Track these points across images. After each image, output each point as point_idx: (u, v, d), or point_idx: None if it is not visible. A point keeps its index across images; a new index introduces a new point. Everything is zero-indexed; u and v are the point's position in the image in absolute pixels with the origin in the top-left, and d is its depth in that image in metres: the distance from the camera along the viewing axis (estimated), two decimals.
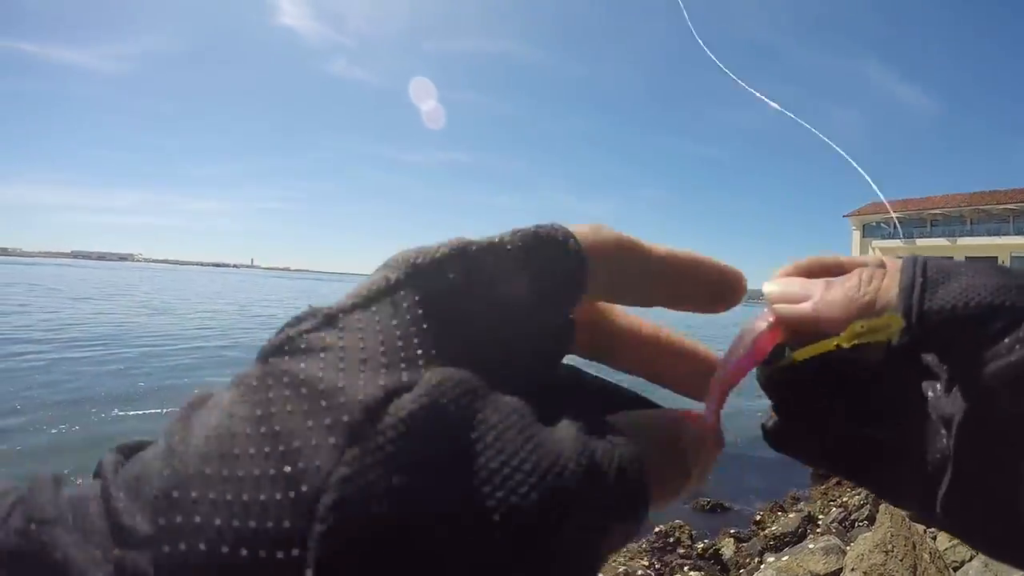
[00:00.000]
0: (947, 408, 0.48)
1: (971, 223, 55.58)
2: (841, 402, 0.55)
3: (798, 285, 0.54)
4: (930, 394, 0.51)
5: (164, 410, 10.00)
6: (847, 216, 61.48)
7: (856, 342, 0.49)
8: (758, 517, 6.95)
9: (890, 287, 0.49)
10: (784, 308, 0.53)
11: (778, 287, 0.55)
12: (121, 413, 9.94)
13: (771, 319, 0.54)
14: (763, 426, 0.58)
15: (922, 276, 0.48)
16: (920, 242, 57.59)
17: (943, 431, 0.49)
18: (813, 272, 0.55)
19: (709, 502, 7.44)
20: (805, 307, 0.52)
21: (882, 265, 0.53)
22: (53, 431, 8.83)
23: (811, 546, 4.96)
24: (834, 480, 8.13)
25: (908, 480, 0.52)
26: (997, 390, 0.44)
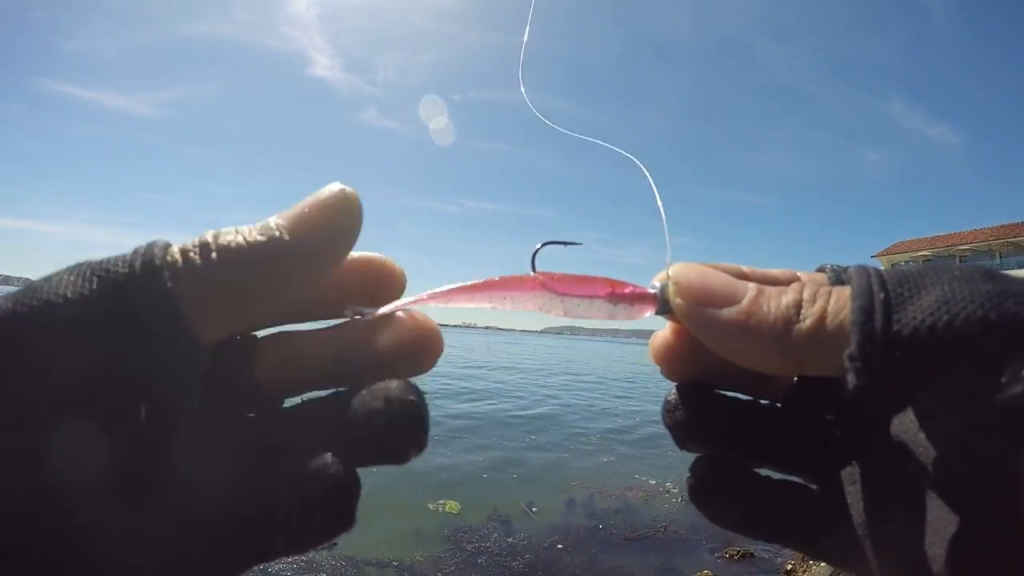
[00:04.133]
0: (927, 447, 0.41)
1: (1000, 257, 54.83)
2: (775, 443, 0.50)
3: (720, 283, 0.46)
4: (897, 429, 0.44)
5: None
6: (875, 256, 61.30)
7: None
8: (789, 566, 6.72)
9: (840, 308, 0.41)
10: (695, 311, 0.45)
11: (694, 277, 0.46)
12: None
13: (650, 291, 0.49)
14: (688, 486, 0.52)
15: (882, 291, 0.39)
16: None
17: (932, 475, 0.42)
18: (712, 292, 0.46)
19: (739, 551, 7.18)
20: (726, 316, 0.44)
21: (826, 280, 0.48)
22: None
23: None
24: None
25: (880, 536, 0.45)
26: (1012, 424, 0.35)
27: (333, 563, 6.40)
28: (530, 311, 0.52)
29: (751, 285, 0.45)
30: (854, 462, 0.48)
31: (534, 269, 0.51)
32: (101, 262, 0.40)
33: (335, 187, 0.45)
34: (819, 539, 0.50)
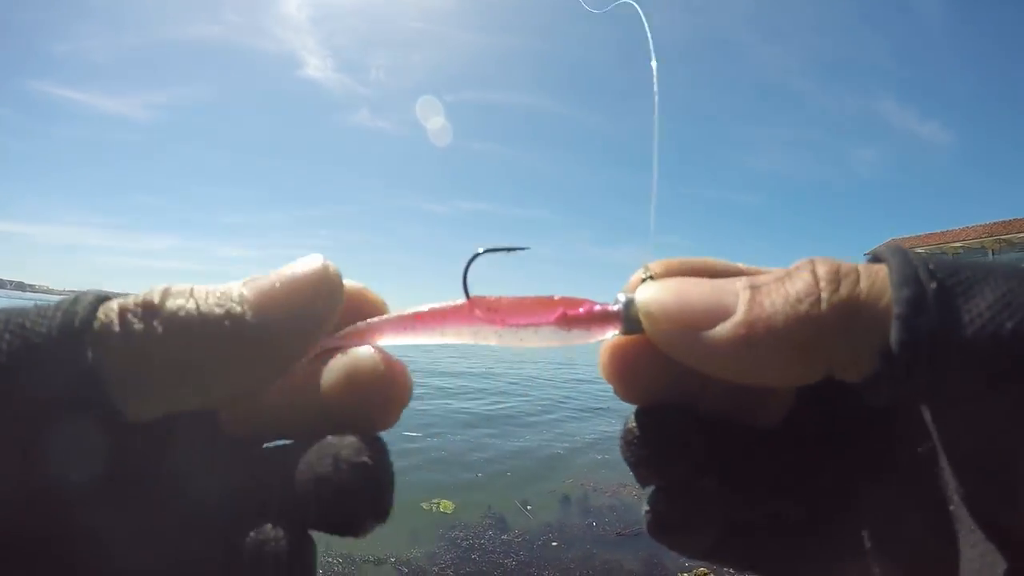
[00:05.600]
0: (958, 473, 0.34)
1: (993, 253, 54.86)
2: (754, 471, 0.41)
3: (701, 296, 0.36)
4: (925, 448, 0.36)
5: None
6: (868, 254, 61.15)
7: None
8: None
9: (877, 292, 0.32)
10: (682, 339, 0.36)
11: (666, 295, 0.37)
12: None
13: (612, 308, 0.40)
14: (646, 521, 0.43)
15: (933, 280, 0.31)
16: None
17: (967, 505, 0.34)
18: (693, 311, 0.36)
19: None
20: (723, 337, 0.34)
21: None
22: None
23: None
24: None
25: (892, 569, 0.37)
26: None
27: (329, 560, 6.39)
28: (466, 341, 0.44)
29: (741, 283, 0.35)
30: (853, 488, 0.40)
31: (466, 291, 0.43)
32: (23, 316, 0.34)
33: (314, 262, 0.38)
34: (800, 570, 0.42)
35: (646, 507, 0.42)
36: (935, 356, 0.30)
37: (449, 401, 18.54)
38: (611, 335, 0.41)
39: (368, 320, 0.42)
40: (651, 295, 0.36)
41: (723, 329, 0.33)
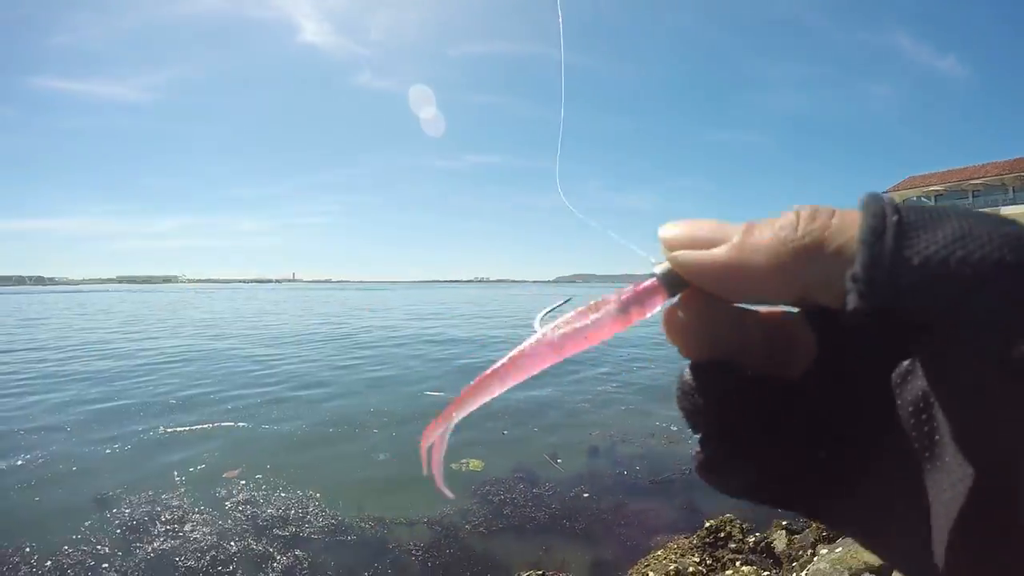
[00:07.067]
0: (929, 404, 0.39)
1: (1013, 191, 54.02)
2: (786, 416, 0.46)
3: (707, 227, 0.44)
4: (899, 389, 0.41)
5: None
6: (886, 192, 60.47)
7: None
8: None
9: (844, 227, 0.38)
10: (688, 256, 0.44)
11: (679, 229, 0.45)
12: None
13: (652, 280, 0.47)
14: (695, 462, 0.49)
15: (895, 214, 0.37)
16: None
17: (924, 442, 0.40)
18: (699, 237, 0.44)
19: None
20: (719, 253, 0.42)
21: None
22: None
23: None
24: None
25: (879, 517, 0.44)
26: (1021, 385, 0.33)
27: (362, 524, 6.49)
28: (553, 363, 0.50)
29: (743, 223, 0.43)
30: (875, 433, 0.45)
31: (539, 329, 0.50)
32: None
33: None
34: (833, 511, 0.48)
35: (697, 448, 0.48)
36: (893, 276, 0.35)
37: (467, 358, 18.69)
38: (659, 305, 0.47)
39: (469, 385, 0.51)
40: (669, 228, 0.45)
41: (720, 248, 0.42)
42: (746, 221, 0.43)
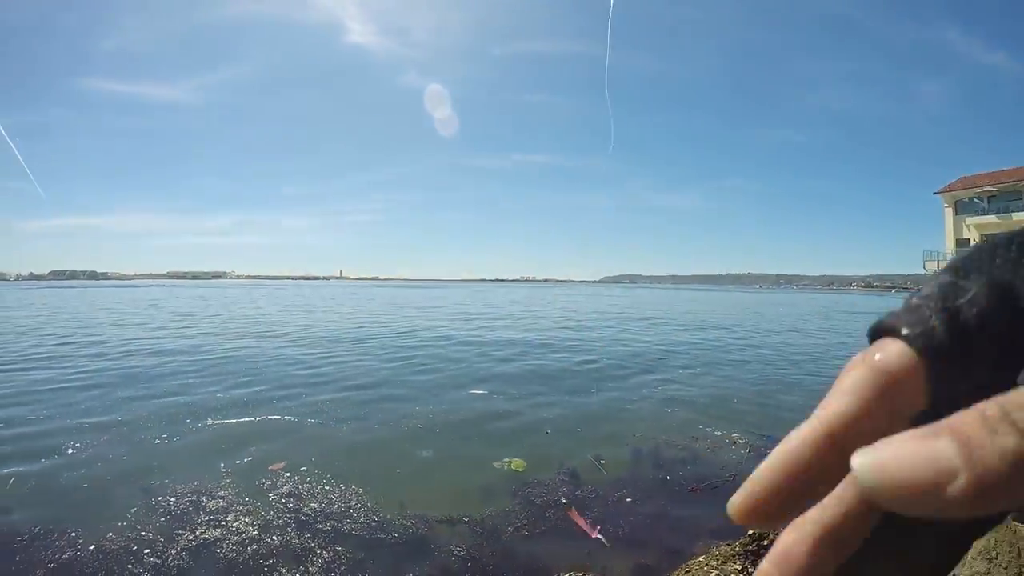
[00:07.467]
0: None
1: None
2: None
3: (916, 464, 0.36)
4: None
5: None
6: (938, 193, 58.67)
7: None
8: None
9: None
10: (919, 503, 0.36)
11: (885, 475, 0.37)
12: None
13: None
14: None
15: None
16: (1016, 216, 52.21)
17: None
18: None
19: None
20: (957, 492, 0.35)
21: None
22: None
23: None
24: None
25: None
26: None
27: (404, 521, 6.50)
28: None
29: (942, 444, 0.36)
30: None
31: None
32: None
33: None
34: None
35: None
36: None
37: (514, 359, 18.70)
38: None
39: None
40: (875, 480, 0.37)
41: (955, 488, 0.35)
42: (941, 433, 0.36)
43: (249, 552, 5.85)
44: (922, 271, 54.61)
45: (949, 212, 56.52)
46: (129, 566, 5.55)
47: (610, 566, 5.60)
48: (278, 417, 10.99)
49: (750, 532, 5.88)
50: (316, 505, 6.96)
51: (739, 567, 5.49)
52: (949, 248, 52.92)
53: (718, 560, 5.62)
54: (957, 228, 53.72)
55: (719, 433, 10.05)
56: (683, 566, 5.55)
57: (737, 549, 5.78)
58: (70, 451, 8.89)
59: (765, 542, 5.77)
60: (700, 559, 5.63)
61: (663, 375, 16.33)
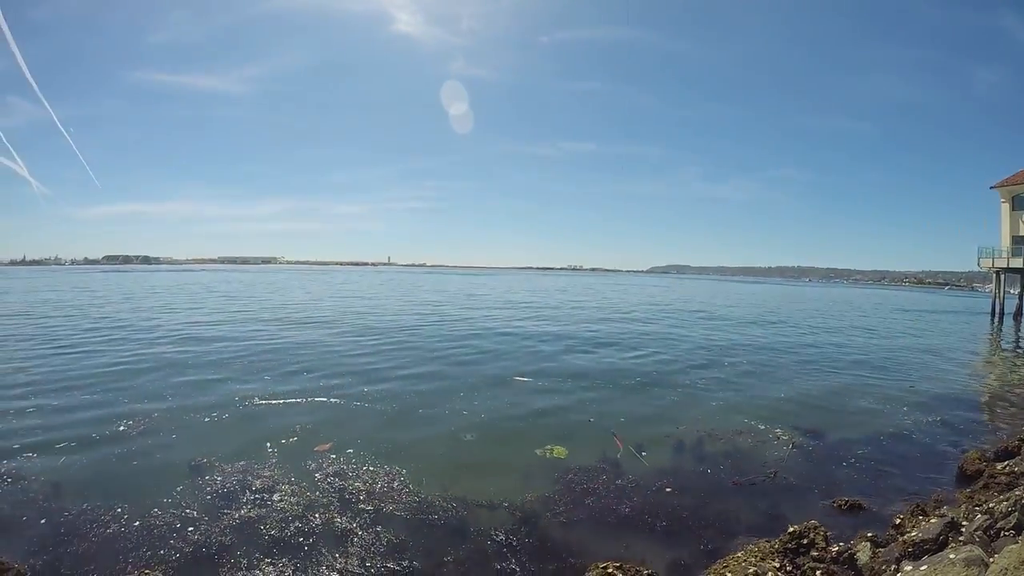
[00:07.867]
0: None
1: None
2: None
3: None
4: None
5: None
6: (995, 187, 56.89)
7: None
8: (897, 520, 6.31)
9: None
10: None
11: None
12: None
13: None
14: None
15: None
16: None
17: None
18: None
19: (847, 501, 6.94)
20: None
21: None
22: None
23: (951, 556, 4.56)
24: (981, 483, 7.51)
25: None
26: None
27: (445, 504, 6.60)
28: None
29: None
30: None
31: None
32: None
33: None
34: None
35: None
36: None
37: (559, 350, 18.70)
38: None
39: None
40: None
41: None
42: None
43: (292, 530, 5.96)
44: (976, 268, 52.98)
45: (1006, 207, 54.55)
46: (171, 541, 5.70)
47: (648, 559, 5.57)
48: (324, 398, 11.21)
49: (791, 530, 5.80)
50: (359, 485, 7.08)
51: (777, 564, 5.41)
52: (1005, 245, 51.30)
53: (756, 556, 5.55)
54: (1014, 224, 52.04)
55: (762, 427, 9.98)
56: (721, 560, 5.50)
57: (776, 547, 5.69)
58: (121, 427, 9.20)
59: (805, 541, 5.69)
60: (738, 555, 5.58)
61: (709, 368, 16.22)
